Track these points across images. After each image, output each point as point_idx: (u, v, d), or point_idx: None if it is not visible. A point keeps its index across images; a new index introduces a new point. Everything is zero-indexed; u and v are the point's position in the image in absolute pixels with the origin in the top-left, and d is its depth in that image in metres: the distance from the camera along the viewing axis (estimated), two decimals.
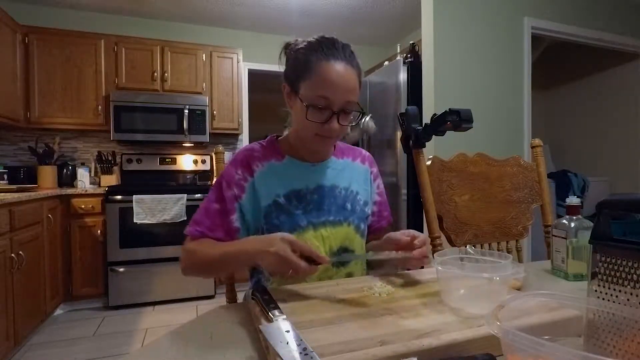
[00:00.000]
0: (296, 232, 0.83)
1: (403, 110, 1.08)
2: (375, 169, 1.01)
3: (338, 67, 0.76)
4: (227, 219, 0.83)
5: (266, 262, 0.67)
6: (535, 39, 2.76)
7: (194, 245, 0.80)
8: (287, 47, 0.86)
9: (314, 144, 0.83)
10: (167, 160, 3.32)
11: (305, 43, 0.81)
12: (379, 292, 0.66)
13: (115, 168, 3.13)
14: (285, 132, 0.97)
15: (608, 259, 0.49)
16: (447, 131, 0.95)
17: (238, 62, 3.33)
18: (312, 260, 0.65)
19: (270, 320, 0.52)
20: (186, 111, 3.03)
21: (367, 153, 1.03)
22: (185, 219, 2.73)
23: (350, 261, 0.89)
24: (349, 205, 0.90)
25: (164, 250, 2.74)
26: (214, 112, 3.25)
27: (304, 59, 0.78)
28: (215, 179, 0.93)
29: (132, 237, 2.67)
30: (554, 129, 4.03)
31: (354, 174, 0.95)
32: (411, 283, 0.73)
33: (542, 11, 2.70)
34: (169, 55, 3.12)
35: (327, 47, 0.78)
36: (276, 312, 0.53)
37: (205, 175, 3.38)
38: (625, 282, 0.46)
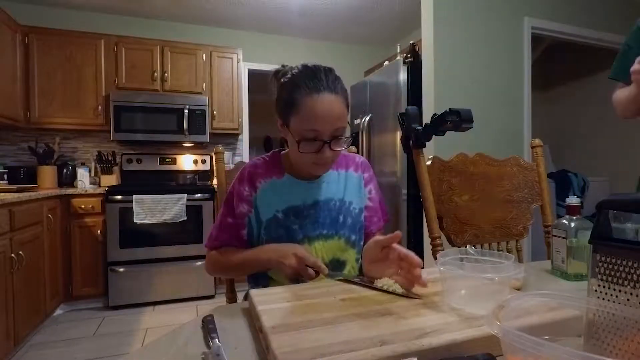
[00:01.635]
0: None
1: (403, 110, 1.08)
2: (367, 174, 1.01)
3: (323, 99, 0.79)
4: (239, 232, 0.92)
5: (282, 271, 0.79)
6: (535, 39, 2.76)
7: (215, 253, 0.92)
8: (276, 74, 0.90)
9: (312, 170, 0.88)
10: (167, 160, 3.32)
11: (289, 76, 0.84)
12: (387, 286, 0.67)
13: (115, 168, 3.13)
14: None
15: (608, 259, 0.49)
16: (447, 131, 0.95)
17: (238, 62, 3.33)
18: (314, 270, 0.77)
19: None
20: (186, 111, 3.03)
21: (362, 159, 1.03)
22: (185, 219, 2.73)
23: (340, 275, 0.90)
24: (341, 218, 0.93)
25: (164, 250, 2.74)
26: (214, 112, 3.25)
27: (290, 97, 0.81)
28: (221, 186, 1.00)
29: (132, 237, 2.67)
30: (554, 129, 4.02)
31: (348, 184, 0.97)
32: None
33: (542, 11, 2.69)
34: (169, 55, 3.12)
35: (310, 79, 0.80)
36: (216, 341, 0.52)
37: (205, 175, 3.38)
38: (625, 282, 0.46)
